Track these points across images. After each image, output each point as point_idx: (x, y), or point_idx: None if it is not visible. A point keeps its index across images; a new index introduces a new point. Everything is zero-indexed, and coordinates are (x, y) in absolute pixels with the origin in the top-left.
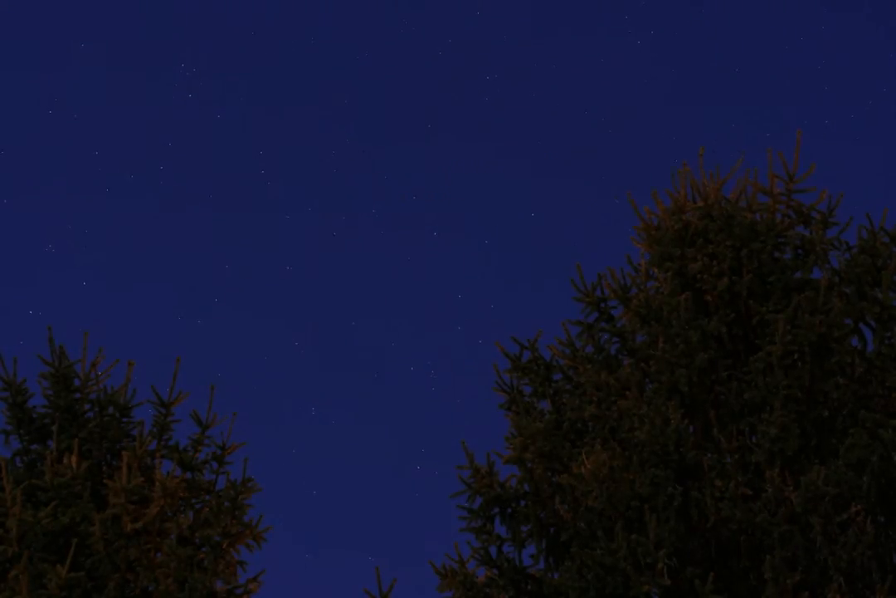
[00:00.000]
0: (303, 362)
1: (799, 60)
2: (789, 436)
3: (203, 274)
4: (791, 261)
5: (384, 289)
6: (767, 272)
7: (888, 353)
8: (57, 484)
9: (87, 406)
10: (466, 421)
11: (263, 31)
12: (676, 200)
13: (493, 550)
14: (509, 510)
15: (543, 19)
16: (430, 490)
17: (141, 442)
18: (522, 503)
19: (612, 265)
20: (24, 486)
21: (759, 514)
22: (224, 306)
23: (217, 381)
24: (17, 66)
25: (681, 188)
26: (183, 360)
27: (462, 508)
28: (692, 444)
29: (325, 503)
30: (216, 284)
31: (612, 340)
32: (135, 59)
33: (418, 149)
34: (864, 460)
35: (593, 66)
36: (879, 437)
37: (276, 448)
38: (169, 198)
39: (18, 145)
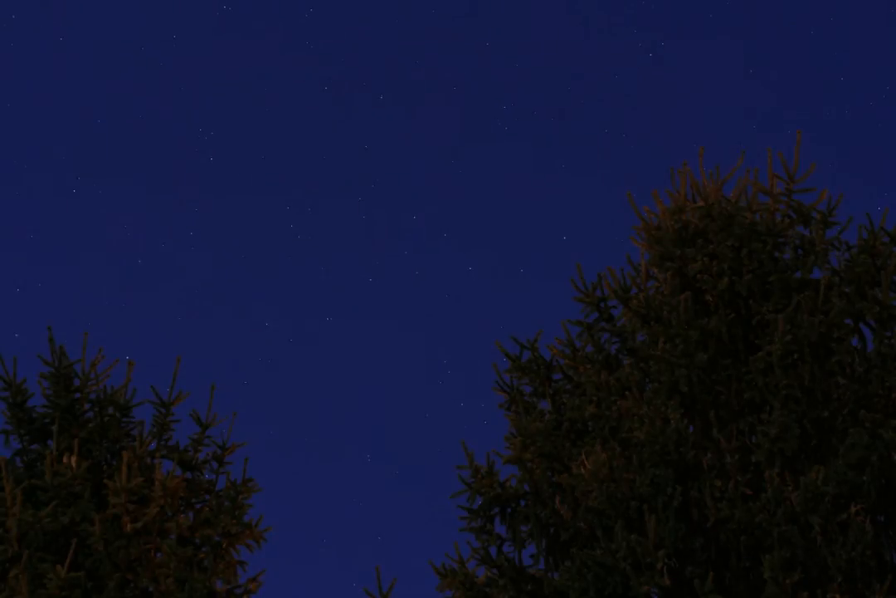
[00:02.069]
0: (302, 361)
1: (800, 60)
2: (789, 436)
3: (204, 274)
4: (791, 261)
5: (383, 288)
6: (767, 272)
7: (888, 353)
8: (57, 484)
9: (87, 406)
10: (466, 421)
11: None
12: (676, 200)
13: (493, 550)
14: (509, 510)
15: (544, 22)
16: (430, 489)
17: (141, 442)
18: (522, 503)
19: (612, 265)
20: (24, 486)
21: (759, 514)
22: (225, 306)
23: (217, 381)
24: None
25: (681, 188)
26: (183, 360)
27: (462, 508)
28: (692, 444)
29: (324, 503)
30: (217, 284)
31: (612, 340)
32: (152, 124)
33: (419, 153)
34: (864, 460)
35: (594, 68)
36: (879, 437)
37: (276, 448)
38: (174, 201)
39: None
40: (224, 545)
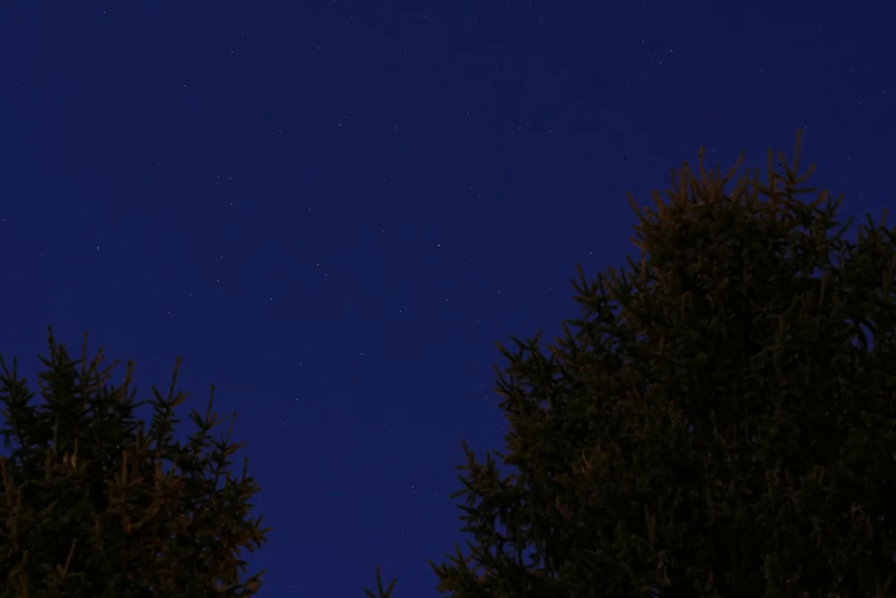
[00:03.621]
0: (302, 361)
1: (799, 60)
2: (789, 436)
3: (204, 274)
4: (791, 261)
5: (383, 289)
6: (767, 272)
7: (888, 353)
8: (57, 484)
9: (87, 406)
10: (466, 421)
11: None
12: (676, 200)
13: (493, 550)
14: (509, 510)
15: (541, 24)
16: (430, 489)
17: (141, 442)
18: (522, 502)
19: (612, 265)
20: (24, 486)
21: (759, 514)
22: (225, 306)
23: (217, 381)
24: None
25: (681, 188)
26: (183, 360)
27: (462, 508)
28: (692, 444)
29: (324, 503)
30: (217, 283)
31: (612, 340)
32: (173, 182)
33: (420, 154)
34: (864, 460)
35: (594, 67)
36: (879, 437)
37: (275, 448)
38: (176, 200)
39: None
40: (224, 545)
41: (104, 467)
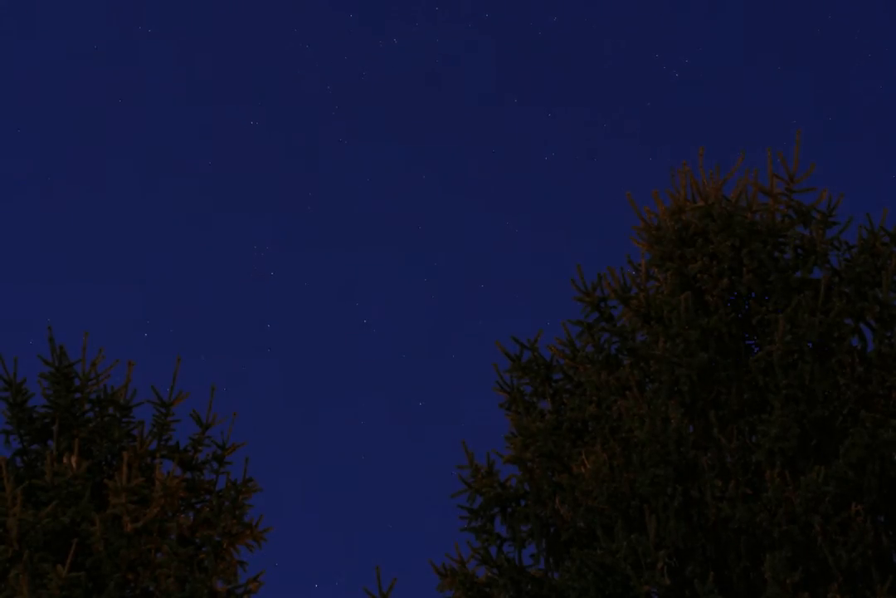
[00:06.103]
0: (302, 361)
1: (799, 59)
2: (789, 436)
3: (203, 274)
4: (791, 261)
5: (384, 288)
6: (767, 272)
7: (888, 353)
8: (57, 484)
9: (87, 406)
10: (466, 421)
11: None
12: (676, 200)
13: (493, 550)
14: (509, 510)
15: (537, 26)
16: (430, 489)
17: (141, 442)
18: (522, 502)
19: (612, 265)
20: (24, 486)
21: (759, 514)
22: (224, 306)
23: (217, 381)
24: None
25: (681, 188)
26: (183, 360)
27: (462, 508)
28: (692, 444)
29: (324, 503)
30: (216, 284)
31: (612, 340)
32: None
33: (418, 150)
34: (864, 460)
35: (594, 65)
36: (879, 437)
37: (276, 448)
38: (172, 200)
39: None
40: (224, 545)
41: (104, 467)
